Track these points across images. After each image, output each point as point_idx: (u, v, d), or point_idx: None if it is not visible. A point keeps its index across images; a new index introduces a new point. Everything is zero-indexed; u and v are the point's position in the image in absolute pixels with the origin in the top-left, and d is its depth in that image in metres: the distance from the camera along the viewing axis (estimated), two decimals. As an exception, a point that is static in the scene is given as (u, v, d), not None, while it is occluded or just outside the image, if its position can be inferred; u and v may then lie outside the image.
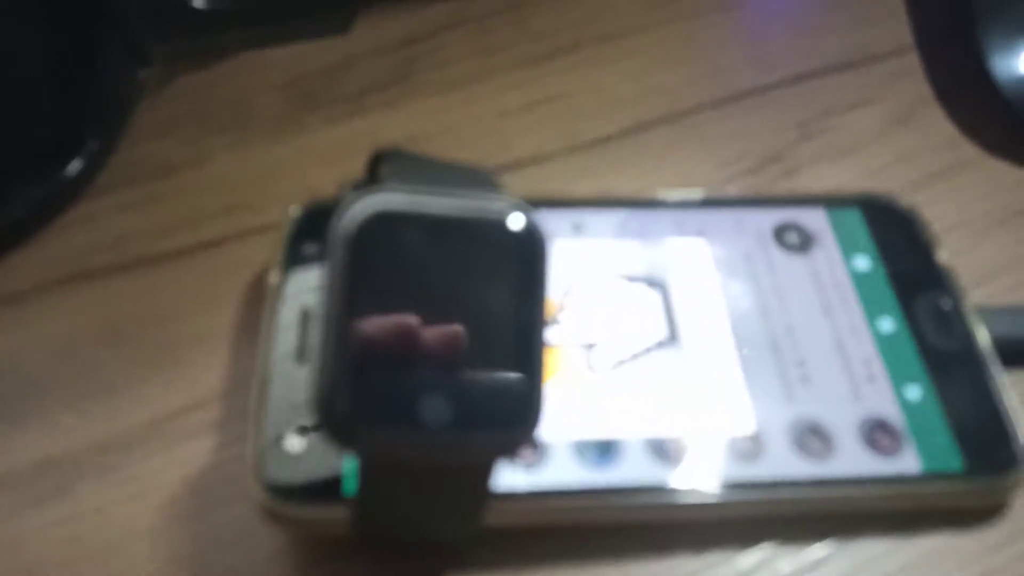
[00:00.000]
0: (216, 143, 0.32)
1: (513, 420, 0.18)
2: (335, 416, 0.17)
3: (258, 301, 0.27)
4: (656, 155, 0.32)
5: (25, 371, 0.26)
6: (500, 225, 0.18)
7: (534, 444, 0.19)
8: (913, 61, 0.34)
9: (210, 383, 0.26)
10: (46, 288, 0.28)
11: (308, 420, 0.22)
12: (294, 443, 0.22)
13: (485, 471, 0.19)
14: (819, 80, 0.34)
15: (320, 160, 0.31)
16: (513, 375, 0.17)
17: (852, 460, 0.23)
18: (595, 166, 0.31)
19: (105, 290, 0.28)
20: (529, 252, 0.18)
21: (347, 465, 0.21)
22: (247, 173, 0.31)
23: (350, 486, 0.21)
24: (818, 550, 0.23)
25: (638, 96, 0.33)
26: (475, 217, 0.18)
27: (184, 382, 0.26)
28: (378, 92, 0.34)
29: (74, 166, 0.29)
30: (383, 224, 0.17)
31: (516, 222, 0.18)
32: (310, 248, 0.26)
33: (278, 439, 0.22)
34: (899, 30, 0.34)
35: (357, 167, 0.31)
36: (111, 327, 0.27)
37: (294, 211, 0.26)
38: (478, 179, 0.20)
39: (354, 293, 0.17)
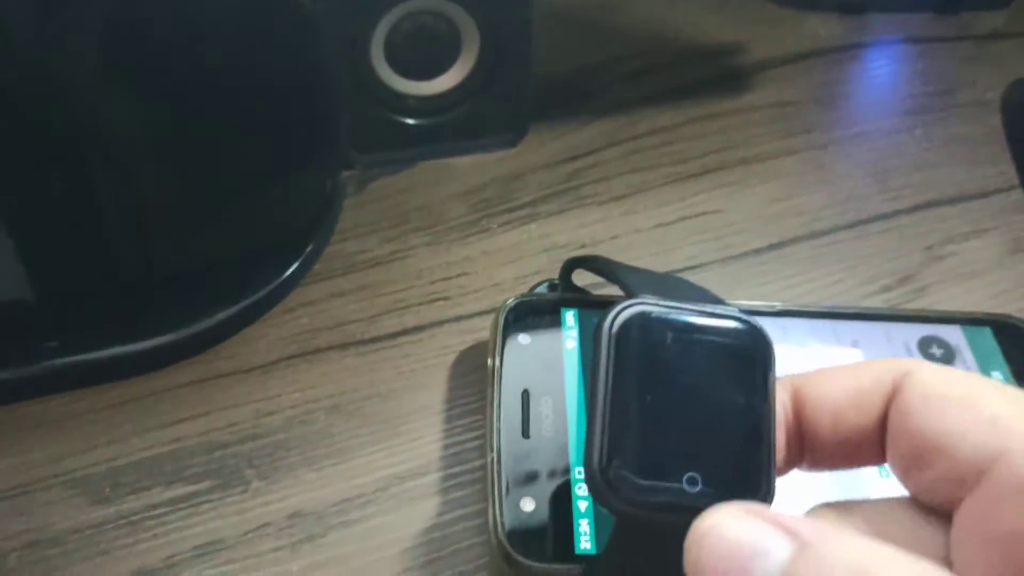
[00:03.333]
0: (412, 241, 0.36)
1: (754, 494, 0.21)
2: (603, 479, 0.20)
3: (460, 379, 0.32)
4: (799, 269, 0.36)
5: (273, 434, 0.30)
6: (738, 332, 0.22)
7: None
8: (1019, 196, 0.38)
9: (428, 452, 0.30)
10: (281, 362, 0.32)
11: (536, 488, 0.26)
12: (528, 504, 0.26)
13: None
14: (939, 209, 0.38)
15: (502, 260, 0.36)
16: (752, 455, 0.21)
17: None
18: (746, 276, 0.35)
19: (330, 366, 0.32)
20: (763, 355, 0.22)
21: (578, 526, 0.25)
22: (441, 269, 0.35)
23: (580, 546, 0.25)
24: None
25: (780, 216, 0.38)
26: (715, 325, 0.22)
27: (406, 450, 0.30)
28: (547, 201, 0.38)
29: (300, 257, 0.34)
30: (645, 322, 0.21)
31: (751, 329, 0.22)
32: (521, 337, 0.30)
33: (513, 504, 0.26)
34: (1006, 170, 0.39)
35: (535, 266, 0.36)
36: (339, 399, 0.31)
37: (508, 304, 0.31)
38: (697, 291, 0.24)
39: (620, 378, 0.21)
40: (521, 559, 0.25)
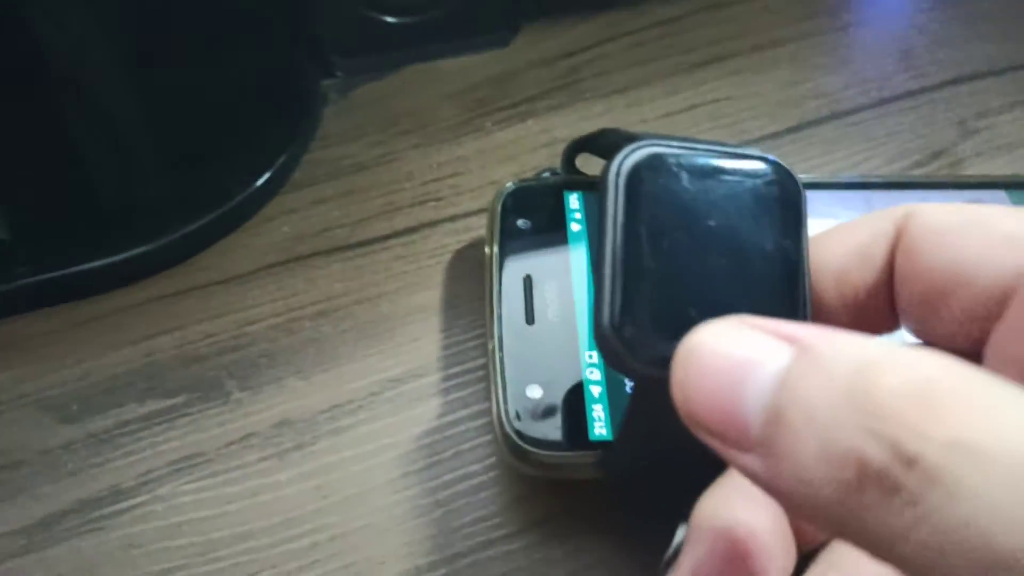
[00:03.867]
0: (400, 144, 0.34)
1: None
2: (617, 336, 0.18)
3: (458, 280, 0.29)
4: (825, 151, 0.33)
5: (253, 345, 0.27)
6: (763, 172, 0.19)
7: None
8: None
9: (425, 354, 0.27)
10: (261, 271, 0.29)
11: (544, 375, 0.23)
12: (535, 392, 0.23)
13: None
14: (969, 84, 0.35)
15: (499, 157, 0.33)
16: (784, 303, 0.18)
17: None
18: (765, 161, 0.32)
19: (316, 273, 0.29)
20: (792, 195, 0.19)
21: (591, 411, 0.22)
22: (432, 170, 0.33)
23: (594, 432, 0.22)
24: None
25: (798, 99, 0.35)
26: (737, 165, 0.19)
27: (401, 353, 0.27)
28: (545, 98, 0.35)
29: (273, 167, 0.32)
30: (658, 163, 0.19)
31: (778, 168, 0.19)
32: (520, 222, 0.27)
33: (519, 390, 0.23)
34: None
35: (534, 162, 0.33)
36: (326, 306, 0.28)
37: (507, 188, 0.28)
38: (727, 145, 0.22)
39: (632, 226, 0.18)
40: (530, 448, 0.22)
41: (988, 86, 0.36)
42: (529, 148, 0.33)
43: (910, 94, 0.35)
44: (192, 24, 0.30)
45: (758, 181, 0.19)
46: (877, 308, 0.19)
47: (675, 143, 0.19)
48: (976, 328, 0.17)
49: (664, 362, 0.18)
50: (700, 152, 0.19)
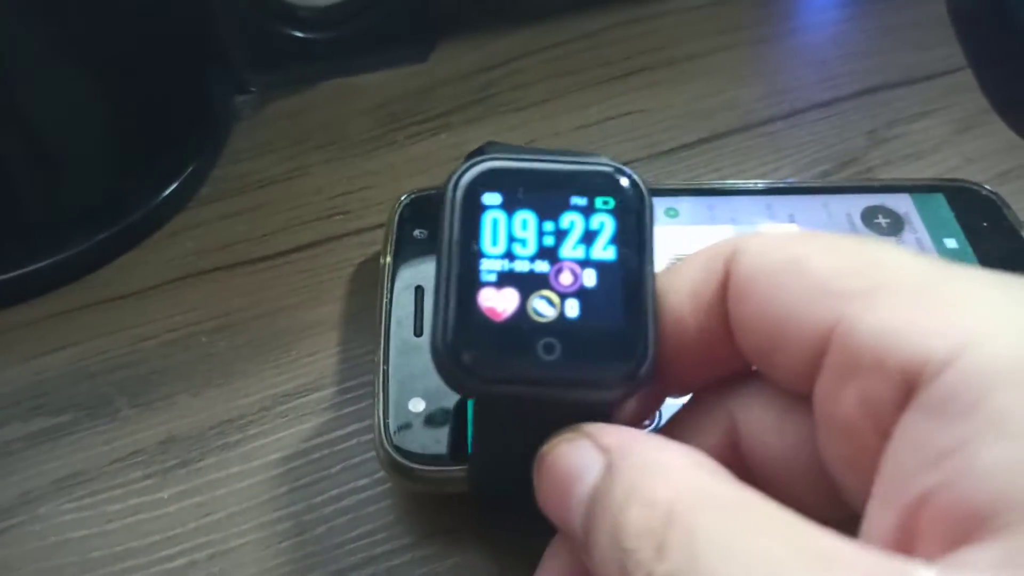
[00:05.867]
0: (312, 159, 0.33)
1: (623, 359, 0.17)
2: (452, 357, 0.17)
3: (359, 294, 0.29)
4: (734, 162, 0.33)
5: (148, 361, 0.27)
6: (607, 181, 0.18)
7: (647, 385, 0.18)
8: (967, 77, 0.35)
9: (320, 368, 0.27)
10: (161, 286, 0.29)
11: (427, 388, 0.23)
12: (418, 406, 0.23)
13: (601, 415, 0.18)
14: (881, 94, 0.36)
15: (410, 171, 0.33)
16: (624, 320, 0.17)
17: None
18: (676, 171, 0.32)
19: (215, 288, 0.29)
20: (636, 204, 0.18)
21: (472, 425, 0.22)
22: (342, 184, 0.32)
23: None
24: None
25: (710, 111, 0.35)
26: (577, 172, 0.18)
27: (296, 367, 0.27)
28: (460, 112, 0.35)
29: (179, 180, 0.31)
30: (496, 177, 0.18)
31: (622, 176, 0.19)
32: (417, 233, 0.27)
33: (402, 403, 0.23)
34: (951, 53, 0.36)
35: (444, 175, 0.33)
36: (224, 321, 0.28)
37: (404, 199, 0.28)
38: (579, 154, 0.21)
39: (467, 243, 0.18)
40: (409, 464, 0.22)
41: (901, 95, 0.36)
42: (442, 161, 0.33)
43: (823, 104, 0.35)
44: (100, 36, 0.30)
45: (600, 190, 0.18)
46: (727, 354, 0.17)
47: (523, 155, 0.19)
48: (808, 379, 0.16)
49: (502, 381, 0.18)
50: (543, 163, 0.19)
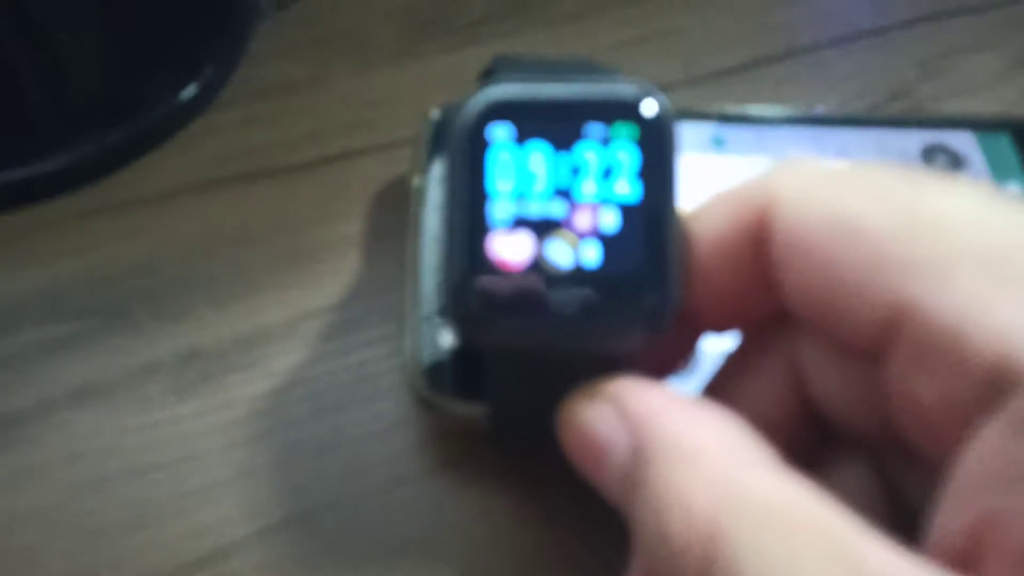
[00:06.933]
0: (337, 66, 0.32)
1: (646, 310, 0.16)
2: (464, 307, 0.16)
3: (385, 211, 0.28)
4: (777, 89, 0.31)
5: (167, 270, 0.26)
6: (627, 107, 0.17)
7: (667, 330, 0.17)
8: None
9: (345, 285, 0.26)
10: (180, 193, 0.28)
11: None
12: (446, 340, 0.22)
13: (620, 362, 0.17)
14: (935, 23, 0.34)
15: (438, 84, 0.31)
16: (645, 266, 0.16)
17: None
18: (716, 98, 0.31)
19: (237, 197, 0.28)
20: (659, 131, 0.17)
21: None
22: (368, 94, 0.31)
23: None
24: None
25: (754, 33, 0.33)
26: (595, 101, 0.17)
27: (321, 284, 0.26)
28: (492, 23, 0.34)
29: (198, 80, 0.30)
30: (503, 108, 0.17)
31: (645, 105, 0.17)
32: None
33: (431, 335, 0.22)
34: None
35: (474, 90, 0.32)
36: (246, 231, 0.27)
37: (433, 115, 0.26)
38: (594, 69, 0.19)
39: (479, 182, 0.17)
40: (438, 396, 0.21)
41: (956, 26, 0.34)
42: (469, 76, 0.31)
43: (872, 32, 0.34)
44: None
45: (621, 118, 0.17)
46: (758, 294, 0.16)
47: (534, 78, 0.17)
48: (874, 349, 0.14)
49: (516, 333, 0.17)
50: (556, 88, 0.17)
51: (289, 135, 0.30)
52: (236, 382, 0.24)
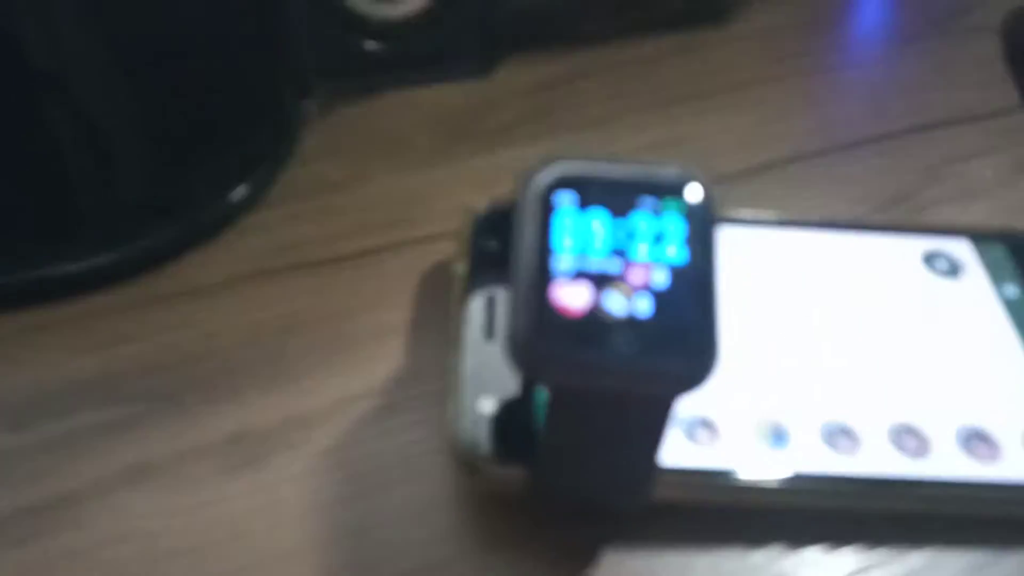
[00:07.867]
0: (376, 167, 0.34)
1: (693, 355, 0.19)
2: (529, 346, 0.18)
3: (425, 301, 0.29)
4: (789, 191, 0.33)
5: (216, 357, 0.27)
6: (672, 185, 0.20)
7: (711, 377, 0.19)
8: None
9: (386, 372, 0.27)
10: (229, 284, 0.29)
11: (499, 389, 0.23)
12: (487, 407, 0.23)
13: (664, 411, 0.20)
14: (938, 131, 0.36)
15: (471, 184, 0.33)
16: (692, 319, 0.19)
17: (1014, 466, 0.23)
18: (732, 198, 0.33)
19: (284, 288, 0.29)
20: (702, 207, 0.20)
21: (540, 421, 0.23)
22: (405, 193, 0.33)
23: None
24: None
25: (767, 139, 0.35)
26: (653, 181, 0.20)
27: (362, 371, 0.27)
28: (520, 127, 0.36)
29: (249, 181, 0.32)
30: (569, 179, 0.19)
31: (691, 185, 0.20)
32: (490, 244, 0.27)
33: (473, 403, 0.23)
34: (1007, 93, 0.36)
35: (505, 190, 0.33)
36: (292, 321, 0.28)
37: (478, 210, 0.28)
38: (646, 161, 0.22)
39: (545, 238, 0.19)
40: (479, 461, 0.22)
41: (958, 132, 0.36)
42: (502, 178, 0.34)
43: (877, 138, 0.36)
44: (178, 32, 0.31)
45: (669, 192, 0.20)
46: None
47: (588, 160, 0.20)
48: None
49: (576, 370, 0.19)
50: (611, 167, 0.20)
51: (332, 230, 0.31)
52: (281, 463, 0.25)
